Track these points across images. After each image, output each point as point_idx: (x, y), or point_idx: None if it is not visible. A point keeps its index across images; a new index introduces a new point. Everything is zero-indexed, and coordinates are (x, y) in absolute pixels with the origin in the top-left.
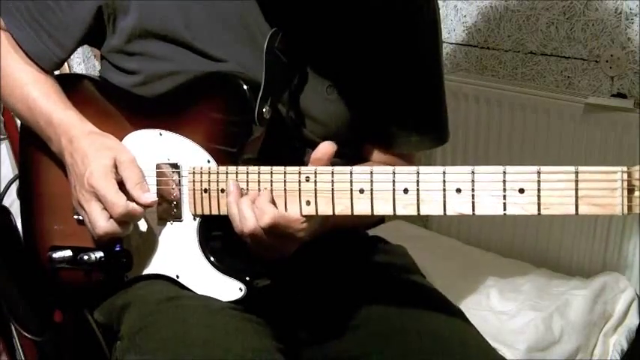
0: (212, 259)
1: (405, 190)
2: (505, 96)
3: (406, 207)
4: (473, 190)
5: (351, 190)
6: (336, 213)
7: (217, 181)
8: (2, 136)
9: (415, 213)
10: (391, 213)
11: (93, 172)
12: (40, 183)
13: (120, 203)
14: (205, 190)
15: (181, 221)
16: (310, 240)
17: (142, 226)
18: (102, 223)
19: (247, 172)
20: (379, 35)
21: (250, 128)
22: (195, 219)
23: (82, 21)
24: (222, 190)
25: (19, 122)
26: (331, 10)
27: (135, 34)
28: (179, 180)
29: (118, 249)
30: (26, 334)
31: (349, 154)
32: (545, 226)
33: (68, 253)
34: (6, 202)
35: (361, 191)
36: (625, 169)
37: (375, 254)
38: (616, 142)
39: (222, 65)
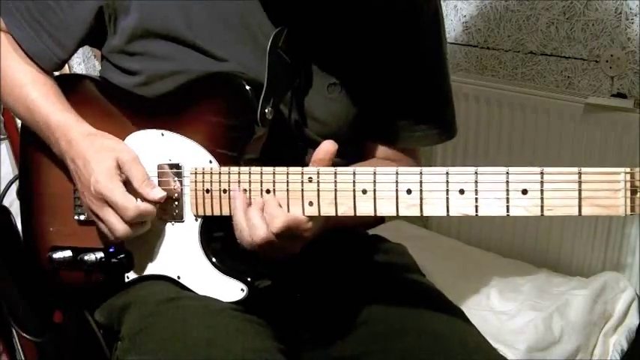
0: (214, 259)
1: (409, 191)
2: (505, 96)
3: (409, 208)
4: (476, 191)
5: (354, 190)
6: (339, 214)
7: (219, 182)
8: (2, 136)
9: (418, 214)
10: (394, 214)
11: (98, 178)
12: (41, 183)
13: (130, 206)
14: (207, 191)
15: (183, 222)
16: (312, 239)
17: None
18: (120, 227)
19: (250, 173)
20: (381, 32)
21: (252, 129)
22: (196, 219)
23: (83, 21)
24: (225, 191)
25: (19, 122)
26: (334, 8)
27: (136, 34)
28: (181, 180)
29: (118, 249)
30: (26, 336)
31: (351, 154)
32: (545, 227)
33: (68, 253)
34: (6, 202)
35: (364, 192)
36: (628, 170)
37: (374, 253)
38: (616, 142)
39: (223, 65)
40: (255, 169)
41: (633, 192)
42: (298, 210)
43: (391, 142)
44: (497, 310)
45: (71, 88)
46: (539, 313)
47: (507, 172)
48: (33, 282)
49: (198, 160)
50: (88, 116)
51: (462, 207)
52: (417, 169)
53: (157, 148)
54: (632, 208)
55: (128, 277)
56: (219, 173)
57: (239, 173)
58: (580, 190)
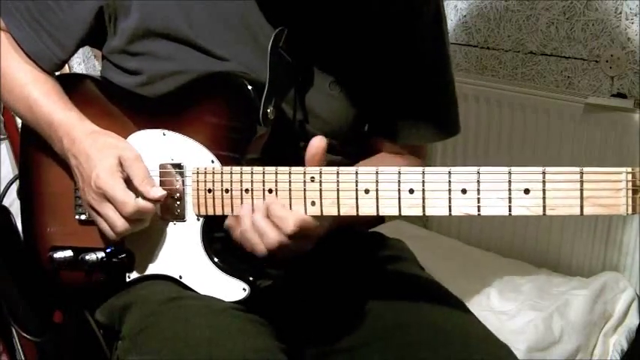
0: (215, 259)
1: (411, 191)
2: (505, 96)
3: (411, 207)
4: (478, 190)
5: (357, 190)
6: (342, 213)
7: (221, 181)
8: (2, 136)
9: (421, 213)
10: (396, 213)
11: (99, 173)
12: (41, 183)
13: (130, 202)
14: (209, 190)
15: (185, 221)
16: (324, 235)
17: None
18: (120, 223)
19: (252, 173)
20: (380, 31)
21: (254, 129)
22: (198, 219)
23: (83, 21)
24: (227, 191)
25: (19, 122)
26: (332, 9)
27: (137, 35)
28: (183, 180)
29: (119, 249)
30: (26, 336)
31: (354, 152)
32: (545, 226)
33: (69, 253)
34: (6, 202)
35: (366, 191)
36: (629, 169)
37: (373, 249)
38: (616, 142)
39: (225, 64)
40: (258, 168)
41: (635, 192)
42: (300, 210)
43: (394, 138)
44: (497, 310)
45: (72, 87)
46: (539, 313)
47: (509, 172)
48: (33, 282)
49: (200, 160)
50: (90, 116)
51: (464, 207)
52: (420, 168)
53: (158, 148)
54: (634, 208)
55: (129, 277)
56: (222, 173)
57: (241, 173)
58: (582, 190)
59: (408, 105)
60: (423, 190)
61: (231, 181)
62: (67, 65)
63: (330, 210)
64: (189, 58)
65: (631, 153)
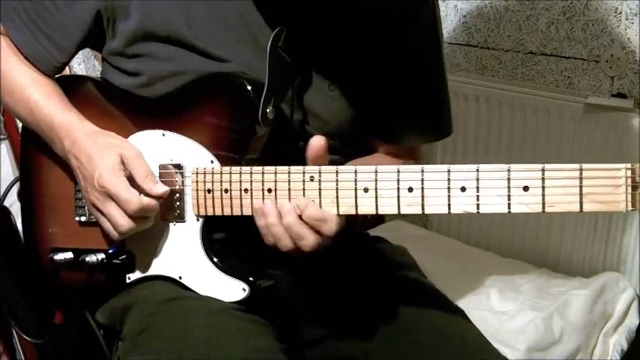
0: (215, 259)
1: (410, 189)
2: (505, 96)
3: (411, 206)
4: (477, 188)
5: (356, 189)
6: (341, 212)
7: (221, 182)
8: (2, 137)
9: (420, 212)
10: (396, 212)
11: (102, 172)
12: (41, 184)
13: (133, 199)
14: (209, 191)
15: (184, 222)
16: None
17: None
18: (124, 222)
19: (251, 173)
20: (378, 32)
21: (254, 129)
22: (198, 219)
23: (82, 23)
24: (226, 191)
25: (19, 123)
26: (330, 9)
27: (137, 37)
28: (182, 180)
29: (120, 250)
30: (25, 337)
31: (353, 153)
32: (545, 226)
33: (69, 255)
34: (6, 202)
35: (366, 190)
36: (629, 166)
37: (375, 254)
38: (616, 142)
39: (224, 65)
40: (257, 168)
41: (634, 188)
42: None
43: (392, 140)
44: (497, 310)
45: (72, 89)
46: (539, 313)
47: (509, 169)
48: (33, 283)
49: (199, 160)
50: (89, 117)
51: (463, 205)
52: (419, 166)
53: (158, 149)
54: (633, 204)
55: (129, 278)
56: (221, 173)
57: (240, 173)
58: (581, 187)
59: (404, 106)
60: (422, 189)
61: (231, 181)
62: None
63: (330, 209)
64: (189, 59)
65: (631, 153)
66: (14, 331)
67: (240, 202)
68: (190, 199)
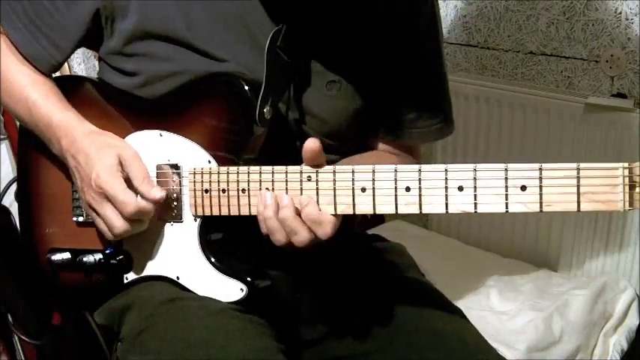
0: (213, 259)
1: (407, 189)
2: (505, 96)
3: (408, 205)
4: (475, 187)
5: (353, 188)
6: (338, 212)
7: (218, 182)
8: (2, 136)
9: (417, 211)
10: (393, 211)
11: (99, 172)
12: (39, 185)
13: (130, 202)
14: (206, 191)
15: (182, 222)
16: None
17: None
18: (119, 223)
19: (248, 172)
20: (380, 29)
21: (251, 129)
22: (195, 220)
23: (80, 22)
24: (223, 191)
25: (18, 122)
26: (333, 6)
27: (135, 36)
28: (180, 181)
29: (117, 250)
30: (24, 338)
31: (351, 152)
32: (545, 227)
33: (67, 255)
34: (6, 202)
35: (363, 190)
36: (626, 165)
37: (373, 253)
38: (616, 142)
39: (223, 65)
40: (254, 168)
41: (632, 187)
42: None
43: (393, 138)
44: (497, 310)
45: (69, 89)
46: (539, 313)
47: (506, 169)
48: (32, 283)
49: (196, 160)
50: (87, 118)
51: (460, 204)
52: (416, 166)
53: (155, 149)
54: (631, 203)
55: (127, 278)
56: (218, 173)
57: (238, 173)
58: (579, 186)
59: (405, 104)
60: (420, 188)
61: (228, 181)
62: (66, 65)
63: (327, 209)
64: (187, 59)
65: (631, 153)
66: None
67: (238, 202)
68: (188, 199)
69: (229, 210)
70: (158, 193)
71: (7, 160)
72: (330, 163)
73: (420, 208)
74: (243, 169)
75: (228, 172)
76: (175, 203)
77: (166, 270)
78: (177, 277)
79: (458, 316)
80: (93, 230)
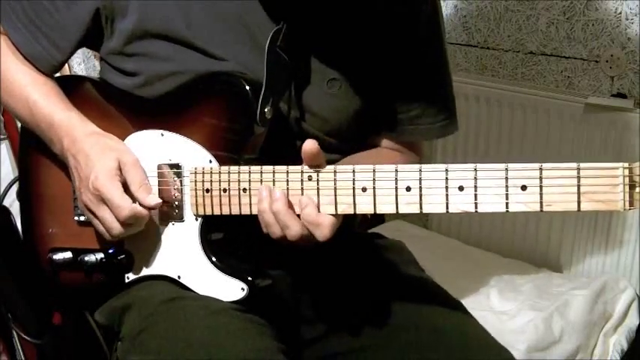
0: (214, 259)
1: (408, 188)
2: (505, 96)
3: (409, 205)
4: (475, 187)
5: (354, 188)
6: (339, 212)
7: (219, 181)
8: (2, 136)
9: (418, 211)
10: (394, 211)
11: (98, 175)
12: (40, 184)
13: (126, 206)
14: (207, 190)
15: (183, 222)
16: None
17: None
18: (114, 225)
19: (249, 172)
20: (381, 26)
21: (252, 128)
22: (196, 219)
23: (80, 22)
24: (225, 190)
25: (19, 122)
26: (333, 4)
27: (135, 36)
28: (180, 180)
29: (118, 250)
30: (25, 337)
31: (352, 150)
32: (545, 227)
33: (68, 254)
34: (6, 202)
35: (364, 189)
36: (626, 165)
37: (373, 249)
38: (616, 142)
39: (223, 64)
40: (255, 168)
41: (632, 187)
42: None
43: (396, 135)
44: (497, 310)
45: (70, 89)
46: (539, 313)
47: (506, 169)
48: (33, 283)
49: (198, 160)
50: (88, 117)
51: (461, 204)
52: (417, 166)
53: (156, 149)
54: (631, 203)
55: (128, 278)
56: (219, 173)
57: (239, 172)
58: (579, 186)
59: (408, 101)
60: (420, 188)
61: (229, 181)
62: (67, 65)
63: (328, 209)
64: (188, 59)
65: (631, 153)
66: (14, 331)
67: (239, 201)
68: (189, 199)
69: (230, 209)
70: (154, 201)
71: (7, 160)
72: (330, 162)
73: (421, 208)
74: (244, 168)
75: (229, 172)
76: (176, 203)
77: (167, 269)
78: (179, 277)
79: (459, 312)
80: (94, 230)
